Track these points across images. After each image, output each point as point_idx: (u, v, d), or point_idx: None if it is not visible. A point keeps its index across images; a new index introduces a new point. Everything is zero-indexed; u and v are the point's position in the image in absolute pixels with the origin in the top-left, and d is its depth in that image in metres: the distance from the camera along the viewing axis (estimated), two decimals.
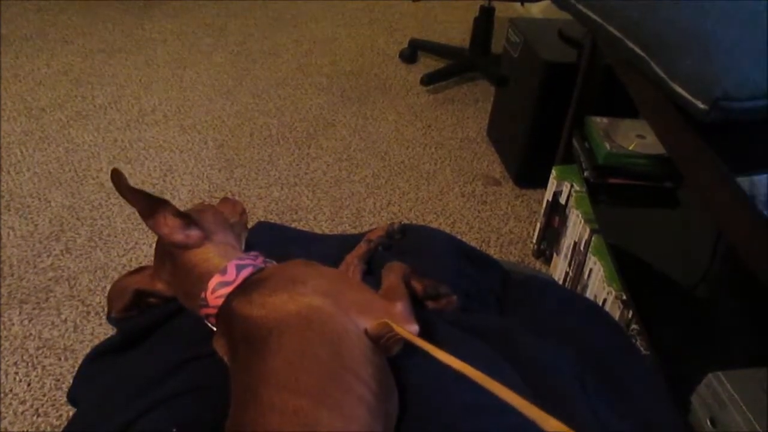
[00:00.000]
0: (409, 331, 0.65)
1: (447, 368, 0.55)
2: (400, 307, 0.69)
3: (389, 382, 0.64)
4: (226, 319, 0.67)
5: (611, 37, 1.07)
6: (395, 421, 0.63)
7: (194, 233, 0.72)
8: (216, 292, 0.68)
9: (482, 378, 0.52)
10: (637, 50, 1.00)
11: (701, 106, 0.85)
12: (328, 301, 0.65)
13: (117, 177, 0.67)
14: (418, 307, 0.75)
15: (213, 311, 0.68)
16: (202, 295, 0.69)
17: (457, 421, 0.64)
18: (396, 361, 0.67)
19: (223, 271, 0.69)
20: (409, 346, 0.67)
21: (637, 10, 1.03)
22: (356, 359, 0.60)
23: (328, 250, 0.91)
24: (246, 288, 0.67)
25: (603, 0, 1.12)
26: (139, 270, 0.79)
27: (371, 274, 0.86)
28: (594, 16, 1.13)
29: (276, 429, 0.55)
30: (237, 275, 0.69)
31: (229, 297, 0.67)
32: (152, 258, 0.77)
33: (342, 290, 0.68)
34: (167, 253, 0.73)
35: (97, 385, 0.79)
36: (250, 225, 0.92)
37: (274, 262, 0.75)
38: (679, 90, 0.89)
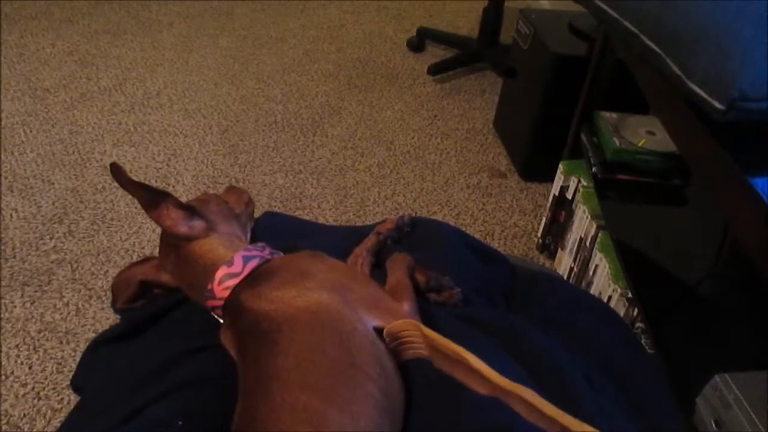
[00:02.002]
0: None
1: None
2: (407, 306, 0.69)
3: (397, 380, 0.63)
4: (233, 312, 0.66)
5: (626, 32, 1.05)
6: (402, 418, 0.62)
7: (198, 224, 0.71)
8: (223, 283, 0.67)
9: (508, 383, 0.52)
10: (653, 46, 0.98)
11: (718, 106, 0.83)
12: (336, 296, 0.64)
13: (117, 171, 0.67)
14: (420, 298, 0.74)
15: (219, 303, 0.68)
16: (209, 286, 0.68)
17: (464, 419, 0.63)
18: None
19: (230, 263, 0.69)
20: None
21: (654, 5, 1.01)
22: (364, 357, 0.60)
23: (336, 241, 0.91)
24: (253, 280, 0.67)
25: None
26: (144, 261, 0.78)
27: (379, 267, 0.85)
28: (609, 10, 1.11)
29: (286, 426, 0.54)
30: (244, 267, 0.68)
31: (236, 289, 0.67)
32: (155, 244, 0.76)
33: (350, 285, 0.68)
34: (172, 244, 0.72)
35: (101, 373, 0.79)
36: (255, 214, 0.91)
37: (281, 253, 0.74)
38: (696, 89, 0.87)
